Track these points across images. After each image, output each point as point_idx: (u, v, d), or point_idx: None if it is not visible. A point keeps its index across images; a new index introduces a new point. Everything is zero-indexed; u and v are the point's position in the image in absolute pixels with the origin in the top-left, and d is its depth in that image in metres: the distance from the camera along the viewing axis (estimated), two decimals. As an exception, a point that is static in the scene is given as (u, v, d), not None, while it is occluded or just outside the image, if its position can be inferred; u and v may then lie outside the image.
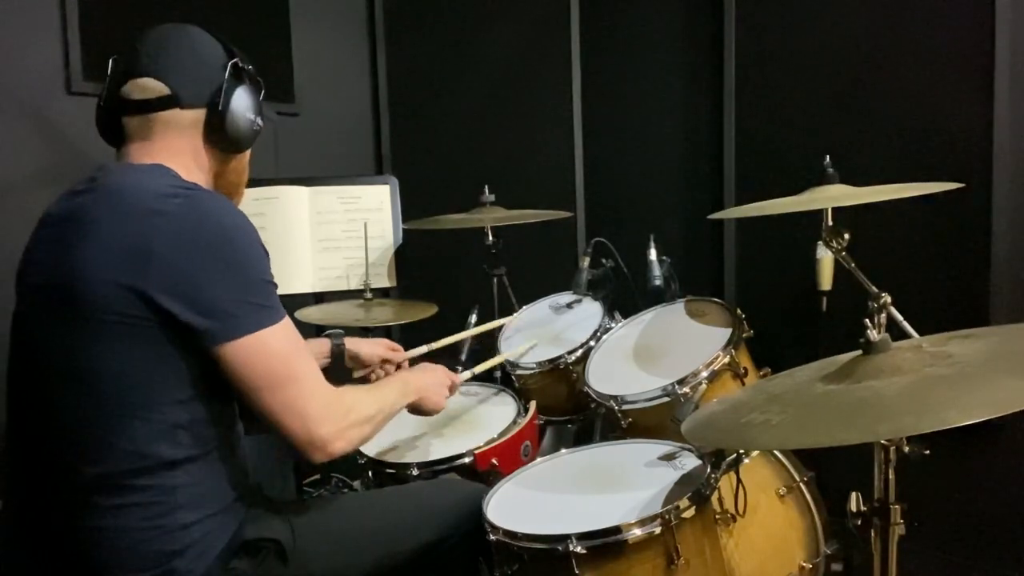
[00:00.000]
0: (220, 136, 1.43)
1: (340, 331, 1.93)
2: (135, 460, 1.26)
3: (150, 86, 1.39)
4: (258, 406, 1.31)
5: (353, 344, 1.92)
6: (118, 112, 1.42)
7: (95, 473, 1.26)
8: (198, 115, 1.41)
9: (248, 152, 1.54)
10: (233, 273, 1.28)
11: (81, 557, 1.28)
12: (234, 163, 1.51)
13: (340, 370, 1.88)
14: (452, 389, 1.79)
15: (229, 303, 1.27)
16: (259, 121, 1.48)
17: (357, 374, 1.93)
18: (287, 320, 1.35)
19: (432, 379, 1.73)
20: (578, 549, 1.39)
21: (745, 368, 1.90)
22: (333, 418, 1.35)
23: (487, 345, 2.46)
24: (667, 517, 1.41)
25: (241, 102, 1.43)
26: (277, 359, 1.31)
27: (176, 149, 1.40)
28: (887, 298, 1.53)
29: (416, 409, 1.70)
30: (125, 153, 1.41)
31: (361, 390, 1.53)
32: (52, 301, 1.28)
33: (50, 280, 1.29)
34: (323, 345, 1.88)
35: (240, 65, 1.45)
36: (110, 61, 1.45)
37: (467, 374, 1.97)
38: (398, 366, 1.96)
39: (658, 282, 2.28)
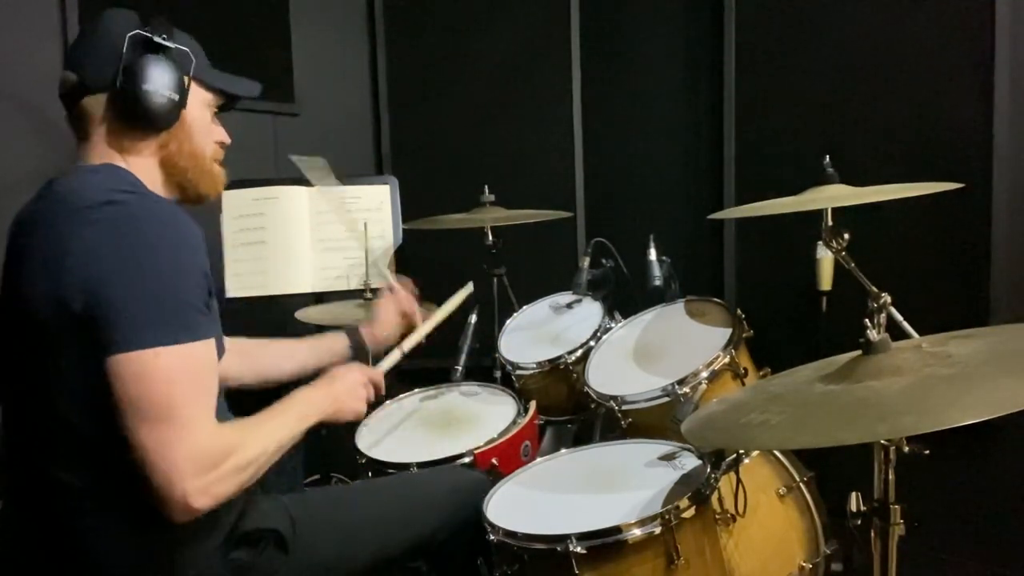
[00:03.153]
0: (131, 116, 1.31)
1: (354, 326, 1.83)
2: (121, 462, 1.23)
3: (64, 78, 1.33)
4: (130, 437, 1.17)
5: (367, 332, 1.82)
6: (66, 112, 1.37)
7: (83, 476, 1.25)
8: (104, 99, 1.32)
9: (194, 129, 1.40)
10: (141, 282, 1.19)
11: (81, 560, 1.28)
12: (173, 145, 1.38)
13: (365, 361, 1.75)
14: (376, 387, 1.61)
15: (127, 312, 1.17)
16: (167, 93, 1.31)
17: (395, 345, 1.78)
18: (193, 347, 1.21)
19: (342, 386, 1.53)
20: (578, 549, 1.39)
21: (745, 368, 1.90)
22: (201, 470, 1.18)
23: (486, 344, 2.47)
24: (667, 517, 1.41)
25: (146, 74, 1.29)
26: (157, 386, 1.17)
27: (107, 141, 1.33)
28: (887, 298, 1.53)
29: (333, 421, 1.52)
30: (78, 149, 1.37)
31: (249, 427, 1.32)
32: (23, 311, 1.25)
33: (16, 291, 1.26)
34: (338, 342, 1.79)
35: (146, 35, 1.31)
36: None
37: (388, 362, 1.74)
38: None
39: (658, 282, 2.28)
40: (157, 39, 1.32)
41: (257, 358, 1.74)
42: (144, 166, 1.37)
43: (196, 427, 1.20)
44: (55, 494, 1.27)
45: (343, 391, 1.53)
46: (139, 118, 1.32)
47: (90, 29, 1.36)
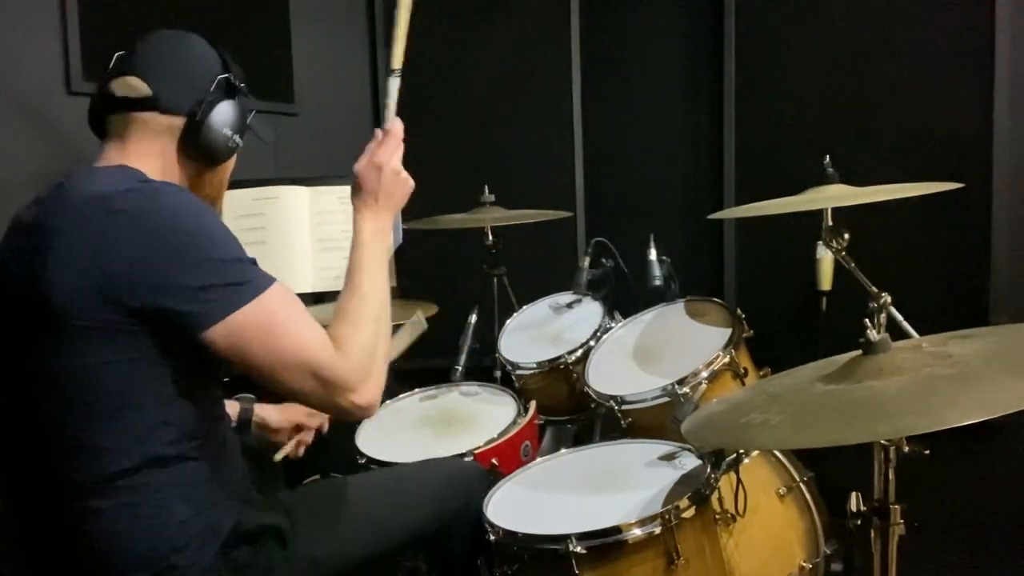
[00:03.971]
0: (194, 147, 1.39)
1: (251, 396, 1.74)
2: (123, 461, 1.24)
3: (133, 84, 1.36)
4: (272, 386, 1.26)
5: (262, 410, 1.75)
6: (104, 108, 1.40)
7: (83, 477, 1.25)
8: (175, 122, 1.38)
9: (228, 167, 1.50)
10: (196, 256, 1.23)
11: (81, 561, 1.28)
12: (209, 176, 1.46)
13: (247, 437, 1.69)
14: (397, 138, 1.50)
15: (200, 288, 1.21)
16: (237, 139, 1.42)
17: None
18: (272, 290, 1.26)
19: (387, 186, 1.46)
20: (578, 549, 1.39)
21: (745, 368, 1.90)
22: (351, 376, 1.27)
23: (486, 344, 2.47)
24: (667, 517, 1.41)
25: (221, 117, 1.39)
26: (267, 333, 1.24)
27: (147, 152, 1.37)
28: (887, 298, 1.53)
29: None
30: (103, 150, 1.39)
31: (353, 311, 1.36)
32: (24, 312, 1.25)
33: (22, 291, 1.25)
34: (232, 408, 1.72)
35: (231, 81, 1.41)
36: (114, 56, 1.43)
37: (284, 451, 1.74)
38: (317, 432, 1.77)
39: (658, 282, 2.28)
40: (238, 84, 1.42)
41: None
42: (173, 180, 1.40)
43: (322, 348, 1.27)
44: (59, 496, 1.27)
45: (388, 184, 1.46)
46: (201, 151, 1.39)
47: (169, 49, 1.40)
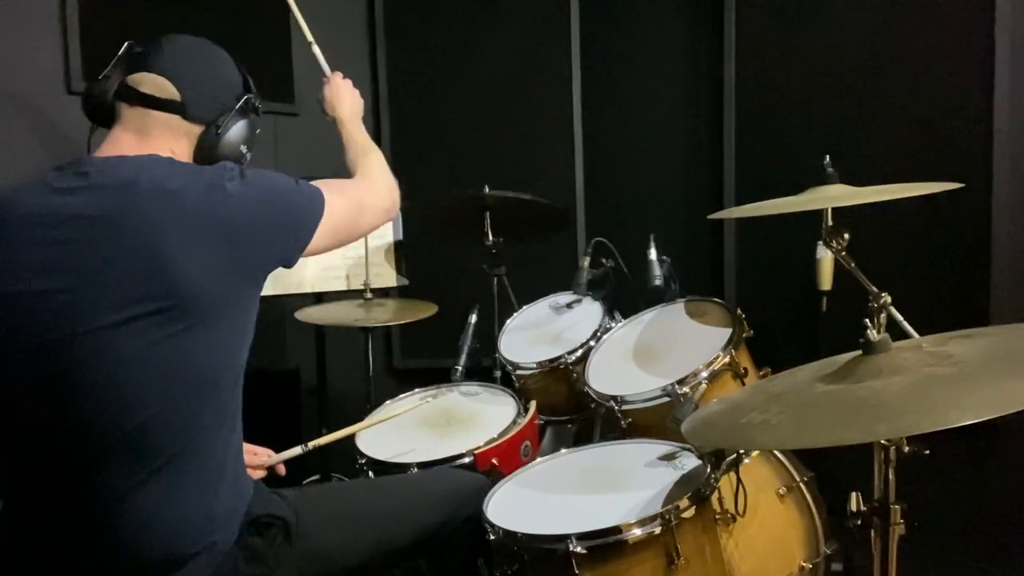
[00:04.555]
0: (208, 156, 1.45)
1: None
2: (197, 437, 1.30)
3: (162, 86, 1.40)
4: (358, 235, 1.65)
5: None
6: (117, 95, 1.41)
7: (128, 468, 1.26)
8: (196, 129, 1.44)
9: None
10: (283, 201, 1.44)
11: (125, 546, 1.27)
12: None
13: None
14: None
15: (294, 217, 1.44)
16: (247, 153, 1.54)
17: None
18: (318, 185, 1.51)
19: (347, 92, 1.90)
20: (578, 549, 1.39)
21: (745, 368, 1.90)
22: (381, 189, 1.70)
23: (486, 344, 2.47)
24: (667, 517, 1.41)
25: (238, 134, 1.49)
26: (343, 212, 1.54)
27: (168, 150, 1.42)
28: (887, 298, 1.53)
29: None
30: (113, 138, 1.40)
31: (357, 165, 1.78)
32: (134, 301, 1.24)
33: (81, 280, 1.23)
34: None
35: (253, 101, 1.53)
36: (125, 43, 1.45)
37: (288, 453, 1.78)
38: (270, 470, 1.74)
39: (658, 282, 2.27)
40: (258, 104, 1.55)
41: None
42: None
43: (364, 188, 1.69)
44: (91, 489, 1.26)
45: (349, 89, 1.91)
46: (214, 160, 1.45)
47: (200, 59, 1.47)
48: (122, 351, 1.23)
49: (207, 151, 1.45)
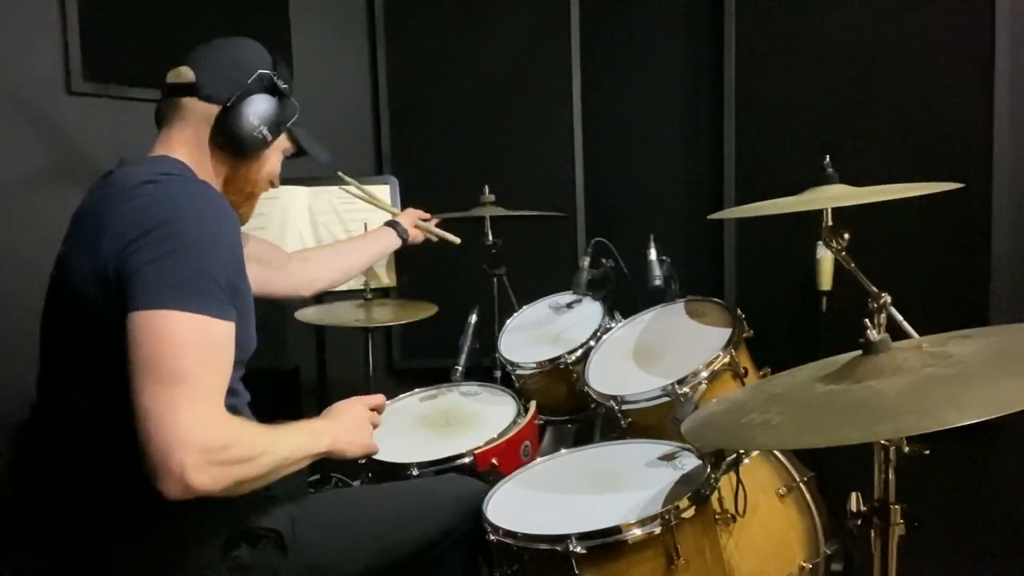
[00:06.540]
0: (222, 135, 1.44)
1: (395, 220, 2.29)
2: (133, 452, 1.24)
3: (181, 71, 1.46)
4: (135, 400, 1.14)
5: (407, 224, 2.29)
6: (160, 98, 1.48)
7: (95, 466, 1.27)
8: (211, 110, 1.44)
9: (262, 164, 1.55)
10: (169, 247, 1.21)
11: (87, 555, 1.29)
12: (243, 170, 1.52)
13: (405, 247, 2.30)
14: (379, 411, 1.64)
15: (151, 272, 1.19)
16: (265, 132, 1.46)
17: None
18: (210, 321, 1.20)
19: (348, 422, 1.52)
20: (578, 549, 1.39)
21: (745, 368, 1.90)
22: (205, 444, 1.12)
23: (486, 344, 2.47)
24: (667, 517, 1.41)
25: (253, 108, 1.44)
26: (170, 348, 1.15)
27: (184, 140, 1.43)
28: (887, 298, 1.53)
29: (340, 456, 1.48)
30: (156, 138, 1.46)
31: (255, 428, 1.30)
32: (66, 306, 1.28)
33: (87, 276, 1.26)
34: (388, 233, 2.24)
35: (272, 78, 1.47)
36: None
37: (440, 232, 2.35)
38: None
39: (658, 282, 2.27)
40: (279, 83, 1.48)
41: (325, 258, 2.13)
42: (208, 175, 1.46)
43: (202, 398, 1.16)
44: (73, 485, 1.29)
45: (349, 427, 1.51)
46: (229, 139, 1.44)
47: (225, 45, 1.50)
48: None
49: (221, 131, 1.44)
